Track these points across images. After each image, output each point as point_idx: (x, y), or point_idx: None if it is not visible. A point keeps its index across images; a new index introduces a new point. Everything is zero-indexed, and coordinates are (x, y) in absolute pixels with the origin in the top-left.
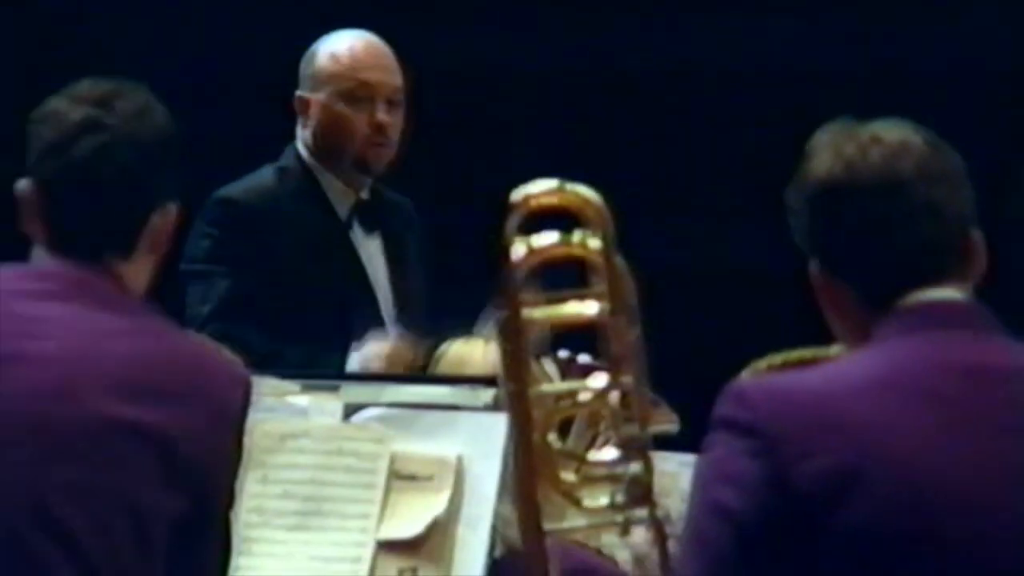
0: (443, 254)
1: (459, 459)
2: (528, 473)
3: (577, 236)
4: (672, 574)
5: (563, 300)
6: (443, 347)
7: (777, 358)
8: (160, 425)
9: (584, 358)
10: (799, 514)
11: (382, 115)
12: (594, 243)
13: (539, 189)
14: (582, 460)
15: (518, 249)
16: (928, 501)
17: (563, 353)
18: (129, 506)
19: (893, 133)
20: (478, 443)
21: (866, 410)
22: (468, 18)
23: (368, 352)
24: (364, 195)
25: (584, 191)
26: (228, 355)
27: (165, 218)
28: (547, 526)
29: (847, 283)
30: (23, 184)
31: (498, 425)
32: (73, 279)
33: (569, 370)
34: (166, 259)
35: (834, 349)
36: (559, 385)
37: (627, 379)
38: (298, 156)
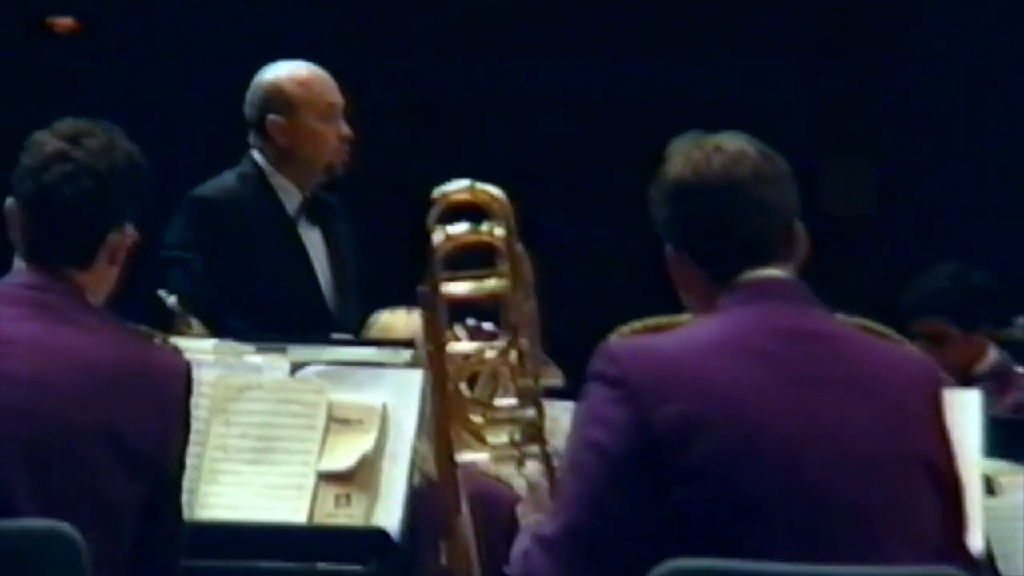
0: (375, 243)
1: (384, 406)
2: (443, 416)
3: (485, 226)
4: None
5: (473, 278)
6: (372, 317)
7: (639, 324)
8: (116, 426)
9: (488, 325)
10: (656, 452)
11: (345, 129)
12: (499, 232)
13: (454, 187)
14: (487, 406)
15: (437, 236)
16: (759, 441)
17: (471, 321)
18: (97, 499)
19: (732, 144)
20: (400, 393)
21: (710, 367)
22: (404, 50)
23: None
24: (308, 195)
25: (491, 189)
26: (168, 350)
27: (121, 236)
28: (458, 458)
29: (695, 264)
30: (8, 201)
31: (416, 379)
32: (37, 300)
33: (475, 335)
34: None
35: (684, 317)
36: (468, 345)
37: (524, 342)
38: (254, 163)
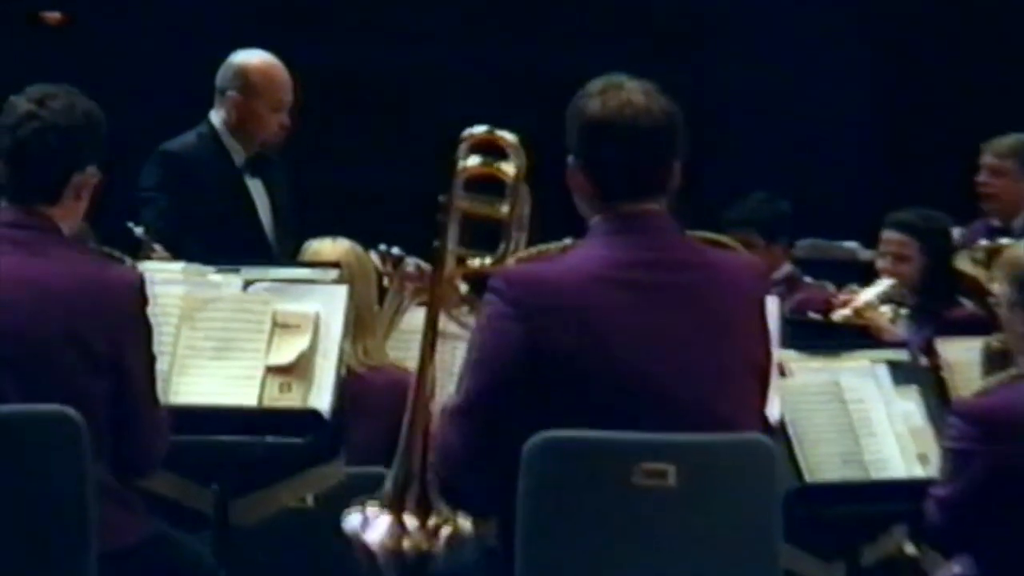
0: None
1: (317, 314)
2: (436, 303)
3: (500, 162)
4: None
5: (483, 202)
6: (305, 244)
7: (533, 250)
8: (82, 336)
9: (396, 250)
10: (539, 362)
11: (286, 120)
12: (510, 169)
13: (478, 130)
14: (471, 302)
15: (461, 166)
16: (625, 358)
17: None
18: (73, 395)
19: (641, 98)
20: (329, 304)
21: (588, 295)
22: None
23: None
24: (251, 153)
25: (508, 135)
26: (124, 266)
27: (84, 177)
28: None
29: (590, 181)
30: None
31: (341, 292)
32: (14, 238)
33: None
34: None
35: (567, 242)
36: (467, 252)
37: (510, 261)
38: (211, 125)
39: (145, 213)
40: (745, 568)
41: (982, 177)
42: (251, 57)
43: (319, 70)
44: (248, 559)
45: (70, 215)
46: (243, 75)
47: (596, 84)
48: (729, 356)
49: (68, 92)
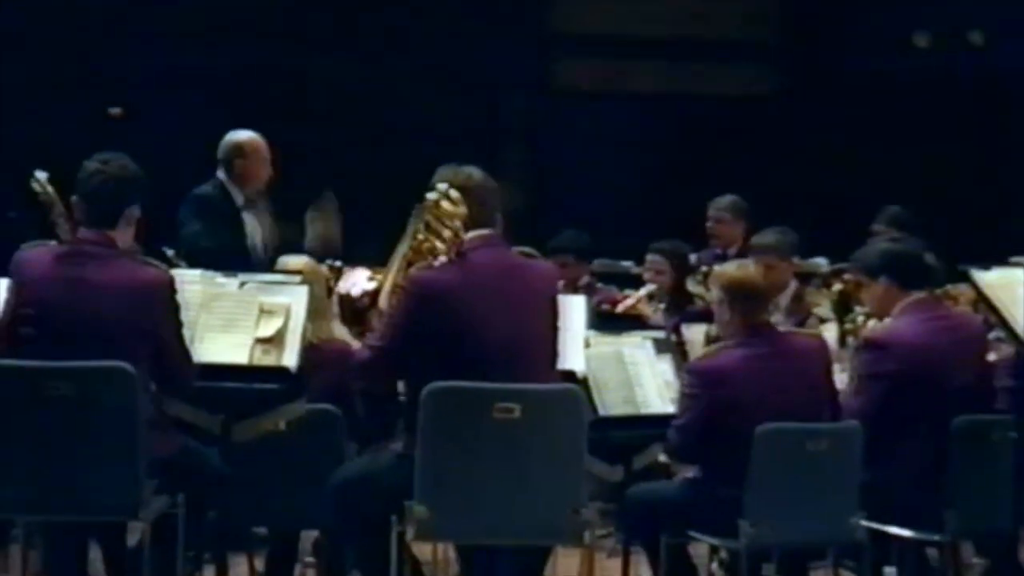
0: None
1: (288, 304)
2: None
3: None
4: None
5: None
6: (279, 259)
7: (433, 261)
8: (131, 319)
9: (338, 263)
10: (430, 335)
11: (270, 174)
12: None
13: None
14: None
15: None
16: (484, 333)
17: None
18: (123, 357)
19: (470, 172)
20: (295, 298)
21: (461, 293)
22: None
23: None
24: (246, 197)
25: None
26: (158, 268)
27: (132, 211)
28: None
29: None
30: (74, 197)
31: (304, 290)
32: (88, 252)
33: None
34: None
35: (443, 256)
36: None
37: (412, 269)
38: (218, 179)
39: (184, 235)
40: (558, 470)
41: (710, 224)
42: (242, 135)
43: (295, 146)
44: (243, 463)
45: (123, 236)
46: (239, 146)
47: (442, 169)
48: (544, 329)
49: (120, 157)
